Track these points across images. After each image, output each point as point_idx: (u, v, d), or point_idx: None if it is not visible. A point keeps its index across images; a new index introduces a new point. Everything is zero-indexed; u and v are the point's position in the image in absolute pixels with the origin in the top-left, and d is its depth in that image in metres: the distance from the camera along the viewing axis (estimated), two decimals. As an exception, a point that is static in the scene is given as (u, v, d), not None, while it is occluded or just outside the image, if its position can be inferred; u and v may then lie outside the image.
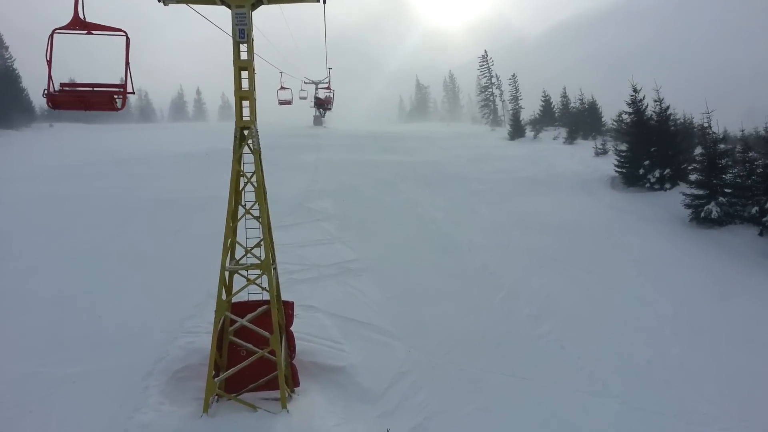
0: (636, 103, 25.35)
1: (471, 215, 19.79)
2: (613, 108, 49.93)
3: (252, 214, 8.45)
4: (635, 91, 25.29)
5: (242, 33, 8.02)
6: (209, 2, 8.24)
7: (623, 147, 26.46)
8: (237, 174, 8.13)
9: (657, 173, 23.28)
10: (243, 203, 8.52)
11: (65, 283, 12.32)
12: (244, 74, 8.16)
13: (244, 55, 8.09)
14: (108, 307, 11.11)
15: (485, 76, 76.39)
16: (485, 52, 75.57)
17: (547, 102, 57.67)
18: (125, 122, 77.72)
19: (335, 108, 47.40)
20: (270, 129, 49.63)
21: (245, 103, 8.20)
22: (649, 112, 24.78)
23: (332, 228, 17.13)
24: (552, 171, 28.18)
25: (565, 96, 57.45)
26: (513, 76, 73.72)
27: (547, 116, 56.22)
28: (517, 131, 48.15)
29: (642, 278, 14.39)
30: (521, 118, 52.26)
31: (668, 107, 24.15)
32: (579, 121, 47.75)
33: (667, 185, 23.07)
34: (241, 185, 8.43)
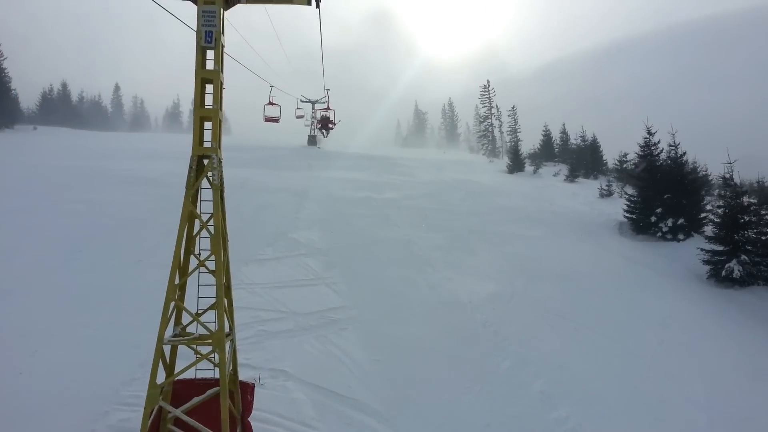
0: (650, 146, 23.92)
1: (470, 257, 18.00)
2: (610, 147, 49.59)
3: (207, 268, 6.51)
4: (650, 133, 23.88)
5: (209, 36, 6.27)
6: (171, -5, 6.53)
7: (632, 191, 24.99)
8: (189, 215, 6.26)
9: (670, 222, 21.73)
10: (197, 252, 6.63)
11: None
12: (209, 88, 6.41)
13: (210, 65, 6.34)
14: (30, 358, 9.10)
15: (485, 106, 75.50)
16: (487, 82, 74.83)
17: (547, 137, 56.58)
18: (114, 130, 75.94)
19: (335, 128, 45.99)
20: (259, 147, 48.36)
21: (207, 125, 6.41)
22: (663, 156, 23.39)
23: (317, 265, 15.20)
24: (555, 211, 26.53)
25: (564, 132, 56.48)
26: (513, 108, 73.00)
27: (546, 151, 55.06)
28: (516, 165, 46.74)
29: (665, 347, 12.59)
30: (520, 152, 50.96)
31: (684, 153, 22.67)
32: (580, 158, 46.51)
33: (681, 236, 21.52)
34: (195, 229, 6.55)
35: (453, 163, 51.18)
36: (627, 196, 24.17)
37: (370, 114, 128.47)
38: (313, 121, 58.30)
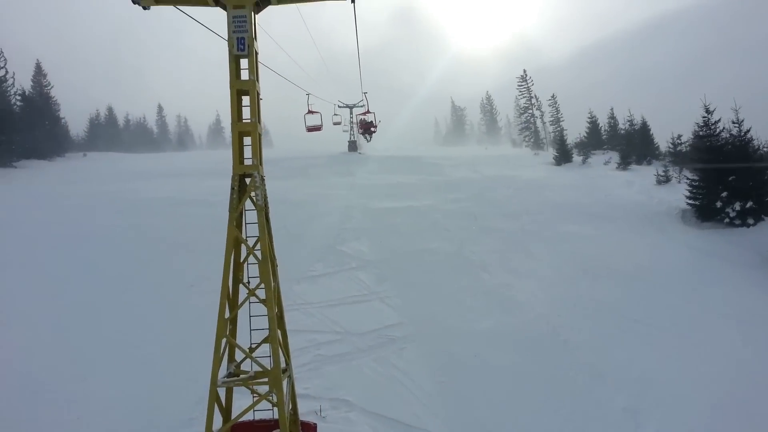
0: (709, 126, 22.26)
1: (527, 259, 17.02)
2: (659, 129, 47.18)
3: (257, 297, 5.91)
4: (708, 111, 22.23)
5: (241, 43, 5.71)
6: (199, 2, 5.99)
7: (692, 176, 23.33)
8: (235, 241, 5.69)
9: (738, 206, 20.10)
10: (246, 280, 6.05)
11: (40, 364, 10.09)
12: (246, 100, 5.83)
13: (244, 74, 5.77)
14: (78, 393, 8.78)
15: (524, 97, 73.48)
16: (524, 71, 72.76)
17: (593, 123, 54.33)
18: (161, 150, 77.66)
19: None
20: (300, 157, 48.29)
21: (247, 140, 5.84)
22: (724, 134, 21.71)
23: (369, 279, 14.57)
24: (611, 202, 25.10)
25: (612, 117, 54.08)
26: (553, 96, 70.89)
27: (593, 139, 52.89)
28: (563, 156, 45.00)
29: (752, 348, 11.37)
30: (567, 142, 49.08)
31: (749, 130, 20.96)
32: (630, 144, 44.37)
33: (750, 220, 19.87)
34: (242, 255, 5.97)
35: (497, 159, 49.86)
36: (688, 181, 22.52)
37: (405, 113, 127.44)
38: (352, 126, 57.99)
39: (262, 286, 5.72)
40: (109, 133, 76.69)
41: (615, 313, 12.90)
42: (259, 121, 5.82)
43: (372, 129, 43.61)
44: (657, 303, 13.50)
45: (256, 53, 5.91)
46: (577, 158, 45.15)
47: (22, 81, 50.63)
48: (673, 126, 45.84)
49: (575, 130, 58.88)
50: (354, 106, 56.35)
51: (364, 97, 43.51)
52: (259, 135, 5.82)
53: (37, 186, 30.49)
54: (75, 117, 73.14)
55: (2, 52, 47.54)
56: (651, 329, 12.10)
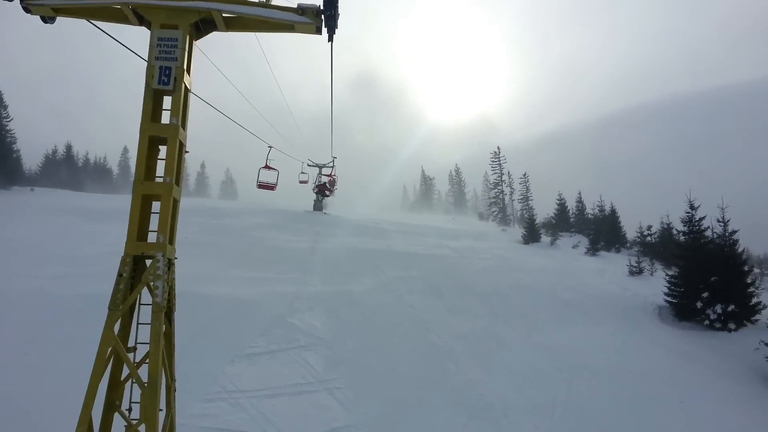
0: (693, 223, 21.63)
1: (498, 349, 15.39)
2: (625, 218, 47.40)
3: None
4: (692, 208, 21.68)
5: (166, 74, 4.17)
6: (115, 18, 4.48)
7: (671, 272, 22.52)
8: (103, 359, 3.91)
9: (719, 308, 19.14)
10: (125, 407, 4.24)
11: None
12: (163, 150, 4.25)
13: (165, 117, 4.21)
14: None
15: (496, 173, 74.06)
16: (498, 148, 73.77)
17: (562, 206, 54.47)
18: (120, 192, 74.49)
19: (339, 193, 44.34)
20: (262, 212, 46.39)
21: (155, 206, 4.21)
22: (708, 233, 21.08)
23: (318, 362, 12.61)
24: (583, 291, 23.88)
25: (580, 201, 54.46)
26: (524, 175, 71.63)
27: (561, 221, 52.82)
28: (532, 235, 44.28)
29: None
30: (536, 221, 48.65)
31: (735, 231, 20.33)
32: (599, 230, 44.20)
33: (732, 325, 18.87)
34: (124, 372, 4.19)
35: (464, 232, 48.94)
36: (667, 277, 21.61)
37: (372, 178, 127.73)
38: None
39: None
40: (65, 170, 73.43)
41: (601, 426, 11.29)
42: (179, 183, 4.23)
43: (326, 192, 43.45)
44: (645, 417, 11.98)
45: (187, 91, 4.39)
46: (545, 238, 44.52)
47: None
48: (637, 217, 46.34)
49: (541, 210, 59.13)
50: (324, 166, 55.36)
51: (333, 162, 43.31)
52: (176, 201, 4.21)
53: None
54: (35, 152, 70.41)
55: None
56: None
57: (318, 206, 58.45)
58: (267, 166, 31.10)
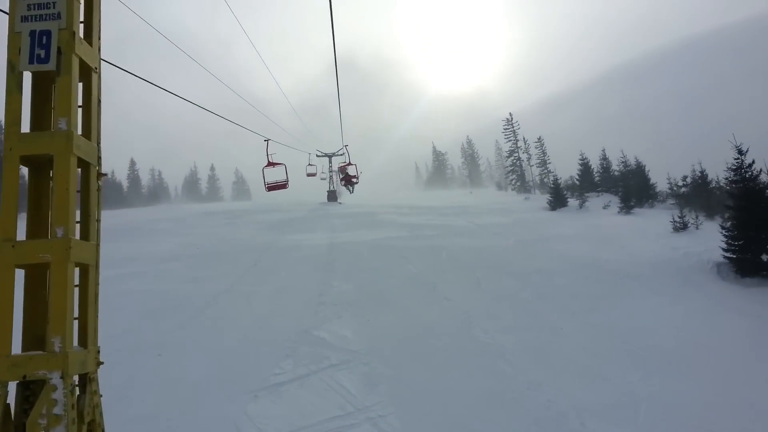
0: (743, 169, 19.48)
1: (554, 339, 13.53)
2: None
3: None
4: (740, 153, 19.51)
5: (44, 44, 2.37)
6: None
7: (726, 224, 20.43)
8: None
9: (787, 261, 17.16)
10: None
11: None
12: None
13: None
14: None
15: (510, 140, 71.65)
16: (510, 114, 71.25)
17: (585, 165, 52.03)
18: (130, 206, 73.62)
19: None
20: (275, 209, 44.87)
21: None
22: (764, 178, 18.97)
23: (354, 385, 10.87)
24: (630, 256, 21.90)
25: (605, 158, 51.91)
26: (539, 139, 69.23)
27: (585, 181, 50.48)
28: (558, 200, 42.16)
29: None
30: (561, 184, 46.41)
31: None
32: (628, 186, 41.86)
33: (801, 277, 16.88)
34: None
35: (486, 204, 47.02)
36: (723, 231, 19.53)
37: (378, 161, 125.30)
38: (331, 176, 55.12)
39: None
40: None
41: (697, 423, 9.43)
42: (97, 217, 2.46)
43: (354, 180, 41.17)
44: (744, 403, 10.07)
45: (91, 71, 2.59)
46: (572, 202, 42.35)
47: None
48: (664, 167, 43.91)
49: (561, 174, 56.84)
50: (333, 155, 53.64)
51: (345, 150, 41.42)
52: (91, 269, 2.45)
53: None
54: None
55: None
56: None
57: (332, 197, 56.92)
58: (270, 163, 27.55)
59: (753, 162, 19.25)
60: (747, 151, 19.48)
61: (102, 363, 2.59)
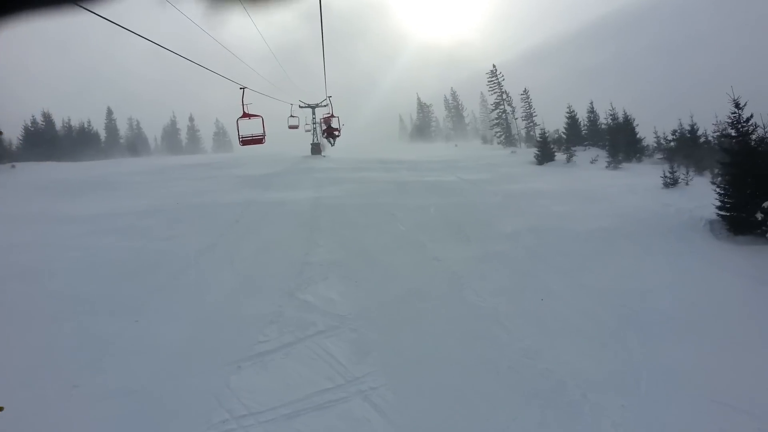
0: (740, 123, 18.86)
1: (548, 301, 13.08)
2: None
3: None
4: (738, 107, 18.84)
5: None
6: None
7: (718, 180, 20.01)
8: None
9: (782, 217, 16.82)
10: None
11: None
12: None
13: None
14: None
15: (495, 92, 70.26)
16: (494, 66, 69.60)
17: (572, 118, 51.24)
18: (110, 157, 71.29)
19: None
20: (252, 161, 43.59)
21: None
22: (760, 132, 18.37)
23: (343, 353, 10.33)
24: (620, 213, 21.43)
25: (592, 111, 51.14)
26: (525, 91, 67.99)
27: (573, 135, 49.81)
28: (545, 154, 41.54)
29: None
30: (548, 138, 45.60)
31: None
32: (615, 140, 41.31)
33: (794, 235, 16.61)
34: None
35: (473, 158, 46.32)
36: (716, 187, 19.10)
37: (361, 112, 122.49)
38: (315, 128, 53.59)
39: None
40: (47, 141, 69.60)
41: (696, 390, 9.08)
42: None
43: (336, 133, 39.87)
44: (748, 367, 9.73)
45: None
46: (559, 156, 41.76)
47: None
48: (650, 121, 43.31)
49: (547, 127, 56.05)
50: (317, 106, 51.96)
51: (328, 101, 39.77)
52: None
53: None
54: (11, 126, 66.61)
55: None
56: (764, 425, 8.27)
57: (316, 150, 55.61)
58: (246, 114, 25.27)
59: (751, 116, 18.60)
60: (745, 105, 18.79)
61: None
